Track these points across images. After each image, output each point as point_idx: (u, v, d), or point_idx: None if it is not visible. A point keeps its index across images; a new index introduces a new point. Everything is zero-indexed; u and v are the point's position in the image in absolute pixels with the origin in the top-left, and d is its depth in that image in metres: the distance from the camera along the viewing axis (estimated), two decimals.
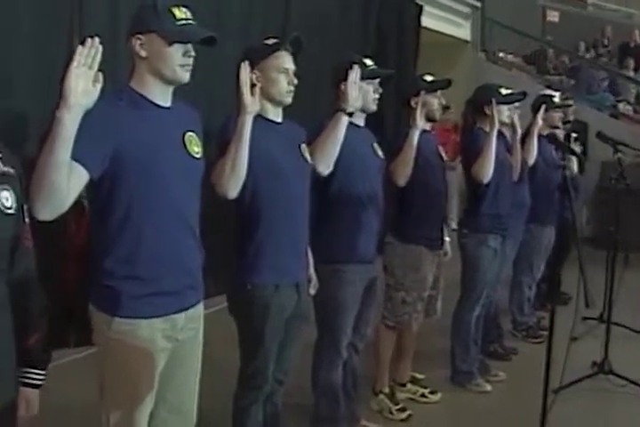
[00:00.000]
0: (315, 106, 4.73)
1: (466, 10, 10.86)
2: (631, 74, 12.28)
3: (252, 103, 2.65)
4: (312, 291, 3.21)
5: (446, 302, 4.40)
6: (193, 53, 2.37)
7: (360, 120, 3.49)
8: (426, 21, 9.24)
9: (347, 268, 3.37)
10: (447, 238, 4.21)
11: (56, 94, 3.98)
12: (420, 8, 8.80)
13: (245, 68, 2.66)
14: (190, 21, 2.38)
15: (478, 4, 10.90)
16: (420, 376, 4.46)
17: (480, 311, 4.51)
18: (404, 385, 4.27)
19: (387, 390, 4.12)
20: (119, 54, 3.43)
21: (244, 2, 5.93)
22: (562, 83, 11.94)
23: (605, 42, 13.64)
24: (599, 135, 5.24)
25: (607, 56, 13.19)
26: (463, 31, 10.97)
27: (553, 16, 13.96)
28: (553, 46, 12.66)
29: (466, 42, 11.09)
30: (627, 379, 4.56)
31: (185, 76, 2.37)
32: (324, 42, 6.42)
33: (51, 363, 2.17)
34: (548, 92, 7.17)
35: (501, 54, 11.72)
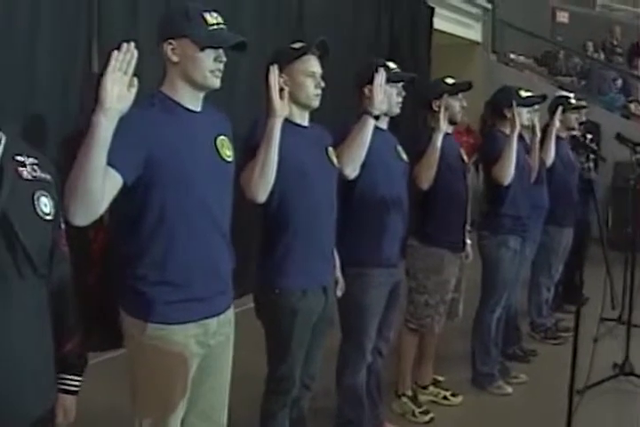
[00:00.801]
0: (329, 109, 4.72)
1: (477, 11, 10.86)
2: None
3: (281, 107, 2.65)
4: (339, 293, 3.21)
5: (467, 305, 4.42)
6: (224, 59, 2.38)
7: (383, 123, 3.49)
8: (437, 23, 9.26)
9: (372, 271, 3.37)
10: (468, 241, 4.20)
11: (74, 99, 4.05)
12: (432, 10, 8.82)
13: (274, 72, 2.66)
14: (222, 26, 2.38)
15: (489, 6, 10.90)
16: (441, 379, 4.45)
17: (501, 313, 4.50)
18: (426, 388, 4.27)
19: (409, 392, 4.12)
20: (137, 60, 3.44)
21: (257, 6, 5.95)
22: (573, 84, 11.92)
23: (614, 42, 13.59)
24: (618, 137, 5.23)
25: (617, 56, 13.14)
26: (474, 33, 10.97)
27: (563, 17, 13.93)
28: (563, 47, 12.63)
29: (477, 43, 11.09)
30: None
31: (215, 82, 2.37)
32: (337, 45, 6.35)
33: None
34: (564, 93, 7.17)
35: (512, 56, 11.69)
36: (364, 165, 3.22)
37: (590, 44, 13.45)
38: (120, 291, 2.39)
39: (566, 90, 10.42)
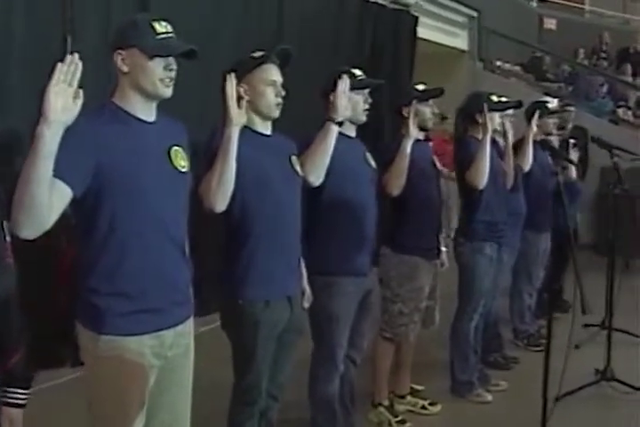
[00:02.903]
0: (308, 118, 4.72)
1: (462, 20, 10.87)
2: (629, 79, 12.27)
3: (238, 116, 2.65)
4: (306, 304, 3.18)
5: (445, 312, 4.39)
6: (174, 67, 2.36)
7: (351, 131, 3.47)
8: (422, 32, 9.25)
9: (340, 280, 3.35)
10: (444, 248, 4.18)
11: None
12: (416, 19, 8.81)
13: (231, 81, 2.66)
14: (170, 35, 2.37)
15: (474, 14, 10.91)
16: (419, 388, 4.42)
17: (478, 321, 4.47)
18: (403, 397, 4.24)
19: (386, 402, 4.08)
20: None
21: (237, 16, 5.97)
22: (560, 90, 11.93)
23: (604, 48, 13.63)
24: (595, 140, 5.22)
25: (606, 62, 13.17)
26: (460, 41, 10.97)
27: (550, 24, 13.95)
28: (550, 53, 12.65)
29: (463, 51, 11.10)
30: (630, 386, 4.52)
31: (166, 91, 2.35)
32: (317, 54, 6.44)
33: (50, 382, 2.15)
34: (545, 98, 7.17)
35: (499, 63, 11.69)
36: (330, 173, 3.20)
37: (582, 51, 13.49)
38: (77, 303, 2.36)
39: (553, 96, 10.46)
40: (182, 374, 2.52)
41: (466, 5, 10.54)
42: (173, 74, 2.36)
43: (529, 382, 4.44)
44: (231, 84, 2.65)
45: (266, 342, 2.88)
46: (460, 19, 10.80)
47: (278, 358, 2.98)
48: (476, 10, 10.84)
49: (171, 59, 2.35)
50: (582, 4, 15.56)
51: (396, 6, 8.53)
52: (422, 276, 3.90)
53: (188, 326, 2.50)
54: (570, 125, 9.42)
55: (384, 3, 8.31)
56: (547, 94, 10.28)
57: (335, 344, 3.41)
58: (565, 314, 6.42)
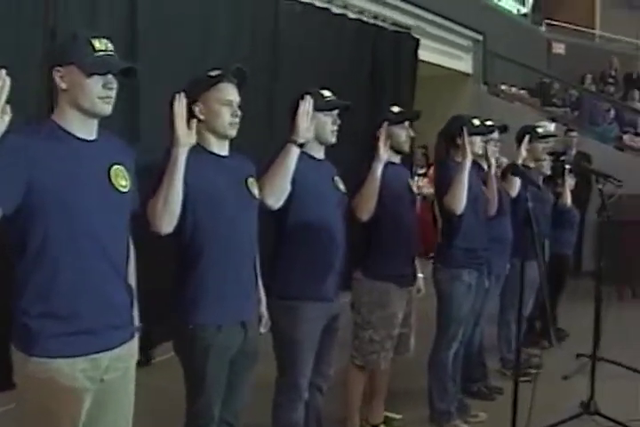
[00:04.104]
0: None
1: (467, 43, 10.84)
2: (637, 105, 12.17)
3: (185, 136, 2.58)
4: (262, 329, 3.10)
5: (426, 338, 4.28)
6: (114, 86, 2.33)
7: (318, 153, 3.40)
8: (425, 55, 9.22)
9: (302, 305, 3.25)
10: (420, 275, 4.08)
11: (32, 101, 4.00)
12: (417, 42, 8.75)
13: (180, 100, 2.60)
14: (110, 53, 2.33)
15: (479, 37, 10.86)
16: (397, 416, 4.32)
17: (458, 348, 4.35)
18: (376, 426, 4.11)
19: None
20: None
21: (231, 37, 5.92)
22: (566, 115, 11.84)
23: (612, 73, 13.55)
24: (579, 166, 5.13)
25: (613, 87, 13.07)
26: (464, 64, 10.93)
27: (559, 48, 13.90)
28: (556, 78, 12.58)
29: (467, 75, 11.04)
30: (613, 420, 4.37)
31: (105, 109, 2.31)
32: (315, 77, 6.35)
33: None
34: (542, 123, 7.10)
35: (504, 87, 11.63)
36: (294, 195, 3.13)
37: (589, 76, 13.41)
38: (11, 324, 2.31)
39: (558, 121, 10.39)
40: (121, 397, 2.47)
41: (470, 28, 10.50)
42: (113, 92, 2.33)
43: (510, 414, 4.32)
44: (180, 103, 2.59)
45: (217, 368, 2.81)
46: (464, 42, 10.76)
47: (232, 384, 2.90)
48: (480, 33, 10.79)
49: (110, 77, 2.31)
50: (593, 28, 15.50)
51: (397, 28, 8.48)
52: (394, 303, 3.80)
53: (127, 350, 2.45)
54: (573, 151, 9.37)
55: (384, 25, 8.26)
56: (552, 119, 10.21)
57: (298, 371, 3.31)
58: (560, 343, 6.35)
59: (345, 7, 7.63)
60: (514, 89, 11.87)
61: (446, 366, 4.28)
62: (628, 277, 7.06)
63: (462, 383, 4.68)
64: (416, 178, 9.20)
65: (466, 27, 10.42)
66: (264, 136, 5.55)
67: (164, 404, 2.64)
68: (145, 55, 5.07)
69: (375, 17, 8.16)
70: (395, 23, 8.55)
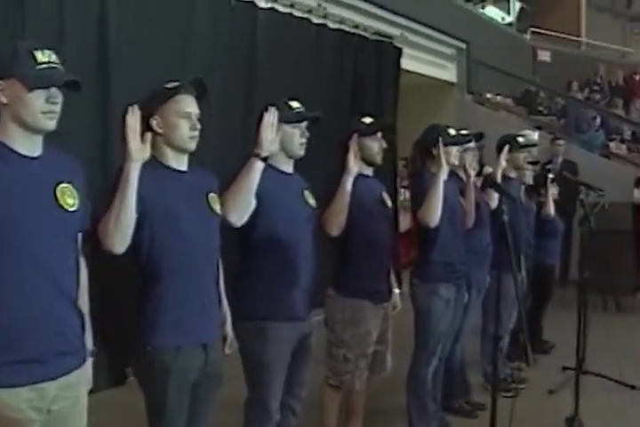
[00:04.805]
0: None
1: (450, 52, 10.76)
2: (621, 112, 12.11)
3: (138, 151, 2.46)
4: (227, 350, 2.99)
5: (406, 353, 4.17)
6: (58, 100, 2.21)
7: (287, 166, 3.28)
8: (409, 64, 9.16)
9: (271, 325, 3.13)
10: (396, 290, 3.96)
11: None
12: (400, 51, 8.68)
13: (133, 112, 2.47)
14: (53, 65, 2.21)
15: (463, 46, 10.78)
16: None
17: (437, 366, 4.22)
18: None
19: None
20: None
21: (209, 46, 5.84)
22: (552, 123, 11.77)
23: (598, 81, 13.50)
24: (561, 176, 5.03)
25: (599, 95, 13.02)
26: (449, 73, 10.86)
27: (544, 56, 13.84)
28: (541, 86, 12.51)
29: (451, 84, 10.97)
30: None
31: (49, 124, 2.20)
32: (295, 87, 6.24)
33: None
34: (525, 132, 7.02)
35: (489, 95, 11.56)
36: (261, 211, 3.02)
37: (575, 84, 13.36)
38: None
39: (544, 129, 10.31)
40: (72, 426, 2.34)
41: (454, 37, 10.42)
42: (57, 107, 2.22)
43: None
44: (133, 115, 2.47)
45: (178, 392, 2.68)
46: (448, 51, 10.69)
47: (194, 408, 2.77)
48: (464, 41, 10.72)
49: (53, 90, 2.20)
50: (578, 36, 15.46)
51: (379, 38, 8.40)
52: (369, 320, 3.67)
53: (77, 377, 2.32)
54: (560, 159, 9.29)
55: (366, 34, 8.18)
56: (538, 128, 10.13)
57: (267, 393, 3.18)
58: (544, 355, 6.24)
59: (325, 17, 7.54)
60: (499, 97, 11.80)
61: (425, 384, 4.15)
62: (611, 288, 6.96)
63: (444, 400, 4.57)
64: (401, 190, 9.08)
65: (450, 35, 10.36)
66: (242, 149, 5.45)
67: (139, 422, 2.55)
68: (118, 68, 4.98)
69: (356, 26, 8.07)
70: (377, 33, 8.47)
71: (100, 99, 4.88)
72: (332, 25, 7.58)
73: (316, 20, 7.31)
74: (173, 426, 2.71)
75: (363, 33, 8.13)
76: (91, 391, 2.50)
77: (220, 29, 5.96)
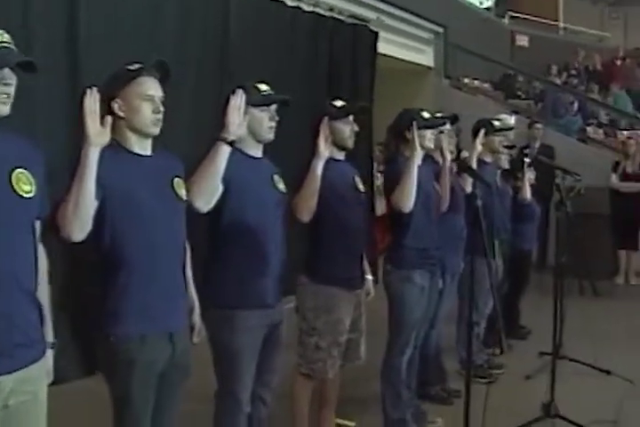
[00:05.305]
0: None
1: (427, 35, 10.67)
2: (597, 97, 12.10)
3: (97, 135, 2.37)
4: (195, 339, 2.92)
5: (382, 341, 4.11)
6: (10, 81, 2.12)
7: (256, 151, 3.20)
8: (385, 48, 9.05)
9: (240, 313, 3.05)
10: (369, 276, 3.89)
11: None
12: (376, 34, 8.56)
13: (91, 95, 2.38)
14: (5, 44, 2.11)
15: (440, 30, 10.70)
16: (350, 424, 4.16)
17: (412, 353, 4.16)
18: None
19: None
20: None
21: (180, 31, 5.71)
22: (530, 107, 11.73)
23: (576, 65, 13.48)
24: (537, 160, 4.99)
25: (576, 80, 12.99)
26: (426, 57, 10.77)
27: (522, 40, 13.80)
28: (519, 71, 12.46)
29: (429, 68, 10.89)
30: (573, 423, 4.22)
31: (2, 108, 2.09)
32: (268, 72, 6.12)
33: None
34: (502, 115, 6.96)
35: (467, 80, 11.49)
36: (229, 196, 2.96)
37: (555, 68, 13.33)
38: None
39: (521, 114, 10.28)
40: (32, 424, 2.25)
41: (431, 21, 10.33)
42: (10, 89, 2.13)
43: (470, 418, 4.16)
44: (90, 98, 2.37)
45: (143, 383, 2.61)
46: (425, 35, 10.60)
47: (161, 400, 2.70)
48: (441, 26, 10.63)
49: (6, 71, 2.09)
50: (556, 20, 15.42)
51: (355, 21, 8.28)
52: (341, 307, 3.60)
53: (36, 370, 2.23)
54: (537, 144, 9.25)
55: (341, 17, 8.06)
56: (515, 112, 10.10)
57: (237, 383, 3.12)
58: (521, 341, 6.22)
59: (300, 0, 7.41)
60: (476, 82, 11.74)
61: (399, 372, 4.09)
62: (588, 272, 6.94)
63: (420, 387, 4.52)
64: (378, 175, 9.00)
65: (426, 19, 10.26)
66: (214, 134, 5.35)
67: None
68: (87, 56, 4.83)
69: (331, 9, 7.95)
70: (352, 16, 8.34)
71: (69, 80, 4.75)
72: (306, 8, 7.45)
73: (290, 3, 7.18)
74: (139, 419, 2.64)
75: (338, 16, 8.00)
76: (62, 382, 2.42)
77: (190, 14, 5.82)
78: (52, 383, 2.44)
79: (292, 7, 7.19)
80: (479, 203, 3.23)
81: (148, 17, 5.39)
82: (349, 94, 7.53)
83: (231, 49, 6.29)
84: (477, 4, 13.51)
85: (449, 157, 4.30)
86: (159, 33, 5.48)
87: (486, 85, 12.03)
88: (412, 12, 9.76)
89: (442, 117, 4.23)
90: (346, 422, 4.14)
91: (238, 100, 2.89)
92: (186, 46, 5.71)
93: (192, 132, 5.38)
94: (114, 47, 4.94)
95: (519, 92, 12.38)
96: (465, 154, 5.00)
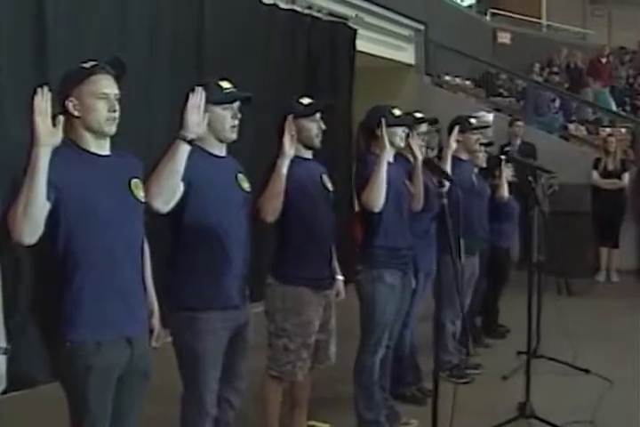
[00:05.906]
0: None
1: (408, 33, 10.62)
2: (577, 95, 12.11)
3: (47, 134, 2.31)
4: (154, 343, 2.86)
5: (354, 343, 4.06)
6: None
7: (219, 149, 3.14)
8: (365, 46, 9.03)
9: (204, 315, 3.00)
10: (339, 277, 3.84)
11: None
12: (355, 32, 8.53)
13: (42, 93, 2.32)
14: None
15: (421, 27, 10.65)
16: (324, 425, 4.12)
17: (384, 354, 4.10)
18: None
19: None
20: None
21: (151, 27, 5.66)
22: (511, 105, 11.70)
23: (558, 62, 13.45)
24: (509, 158, 4.94)
25: (558, 77, 12.96)
26: (407, 55, 10.72)
27: (504, 38, 13.75)
28: (500, 68, 12.42)
29: (410, 66, 10.83)
30: (549, 423, 4.18)
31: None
32: (244, 71, 6.07)
33: None
34: (480, 113, 6.92)
35: (448, 77, 11.45)
36: (189, 196, 2.90)
37: (537, 66, 13.30)
38: None
39: (502, 111, 10.25)
40: None
41: (411, 18, 10.28)
42: None
43: (443, 419, 4.11)
44: (42, 97, 2.31)
45: (100, 389, 2.55)
46: (405, 32, 10.55)
47: (120, 406, 2.64)
48: (422, 23, 10.58)
49: None
50: (539, 17, 15.39)
51: (333, 19, 8.23)
52: (310, 308, 3.54)
53: None
54: (518, 141, 9.23)
55: (319, 15, 8.01)
56: (496, 110, 10.07)
57: (202, 386, 3.06)
58: (500, 340, 6.18)
59: None
60: (458, 80, 11.70)
61: (372, 373, 4.03)
62: (566, 270, 6.91)
63: (394, 387, 4.47)
64: None
65: (407, 17, 10.21)
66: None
67: None
68: (55, 56, 4.76)
69: (309, 7, 7.90)
70: (331, 13, 8.30)
71: (35, 80, 4.67)
72: (283, 5, 7.40)
73: (266, 1, 7.12)
74: (96, 424, 2.58)
75: (316, 14, 7.95)
76: (33, 385, 2.37)
77: (162, 10, 5.76)
78: (6, 391, 2.38)
79: (268, 5, 7.14)
80: (445, 201, 3.18)
81: (118, 17, 5.32)
82: (328, 93, 7.49)
83: (206, 48, 6.24)
84: (458, 1, 13.46)
85: (420, 155, 4.22)
86: (129, 33, 5.42)
87: (468, 83, 12.00)
88: (391, 10, 9.72)
89: (421, 119, 4.17)
90: (320, 424, 4.10)
91: (197, 98, 2.83)
92: (157, 46, 5.65)
93: (166, 133, 5.32)
94: (82, 48, 4.88)
95: (501, 90, 12.35)
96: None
